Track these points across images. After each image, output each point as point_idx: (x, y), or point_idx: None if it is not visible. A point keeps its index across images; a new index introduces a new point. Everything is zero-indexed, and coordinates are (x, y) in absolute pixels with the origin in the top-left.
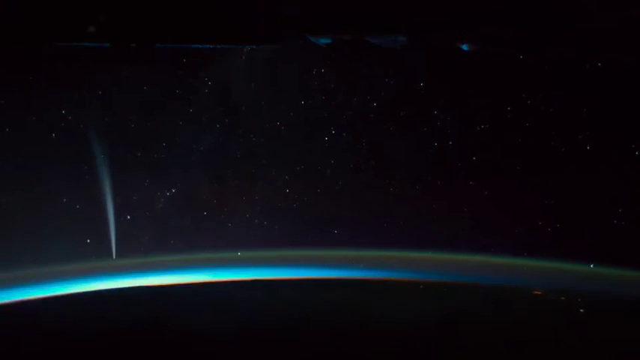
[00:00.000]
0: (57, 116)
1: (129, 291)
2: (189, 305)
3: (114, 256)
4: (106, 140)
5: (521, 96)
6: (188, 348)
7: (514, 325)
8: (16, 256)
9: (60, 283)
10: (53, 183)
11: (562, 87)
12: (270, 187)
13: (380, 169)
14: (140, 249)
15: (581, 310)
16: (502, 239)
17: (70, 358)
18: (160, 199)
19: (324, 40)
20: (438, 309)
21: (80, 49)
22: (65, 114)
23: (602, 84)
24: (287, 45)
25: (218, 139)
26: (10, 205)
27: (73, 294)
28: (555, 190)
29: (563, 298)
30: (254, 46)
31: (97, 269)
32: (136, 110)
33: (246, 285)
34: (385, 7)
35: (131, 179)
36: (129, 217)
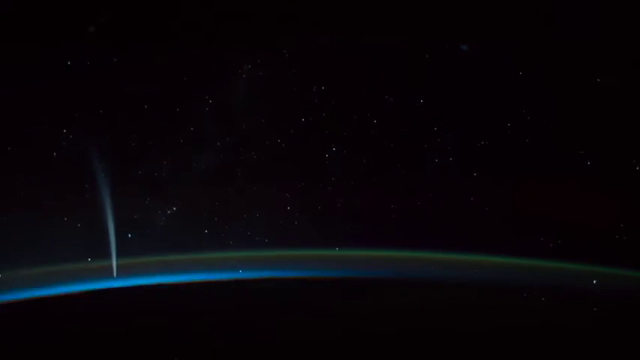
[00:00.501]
0: (58, 135)
1: (129, 291)
2: (190, 305)
3: (114, 275)
4: (107, 159)
5: (521, 112)
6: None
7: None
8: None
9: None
10: (54, 201)
11: (562, 103)
12: (271, 204)
13: (381, 186)
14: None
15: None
16: (503, 254)
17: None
18: (161, 217)
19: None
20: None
21: (82, 68)
22: (67, 133)
23: (602, 100)
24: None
25: (219, 157)
26: (10, 224)
27: (72, 293)
28: (556, 205)
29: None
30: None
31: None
32: (136, 129)
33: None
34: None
35: (132, 197)
36: (130, 235)
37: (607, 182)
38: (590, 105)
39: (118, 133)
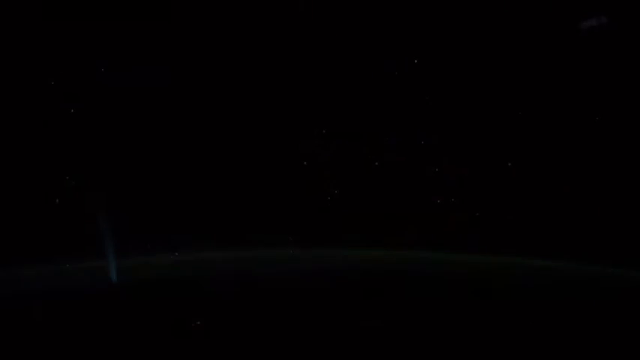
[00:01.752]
0: (60, 182)
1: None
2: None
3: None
4: (109, 205)
5: (522, 151)
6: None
7: None
8: None
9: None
10: (56, 249)
11: (561, 142)
12: (274, 247)
13: (383, 226)
14: None
15: None
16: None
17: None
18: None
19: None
20: None
21: (84, 116)
22: (69, 180)
23: (601, 137)
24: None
25: (219, 211)
26: (11, 274)
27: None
28: (558, 248)
29: None
30: None
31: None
32: (141, 176)
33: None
34: None
35: (134, 243)
36: None
37: (610, 220)
38: (589, 145)
39: (119, 180)
